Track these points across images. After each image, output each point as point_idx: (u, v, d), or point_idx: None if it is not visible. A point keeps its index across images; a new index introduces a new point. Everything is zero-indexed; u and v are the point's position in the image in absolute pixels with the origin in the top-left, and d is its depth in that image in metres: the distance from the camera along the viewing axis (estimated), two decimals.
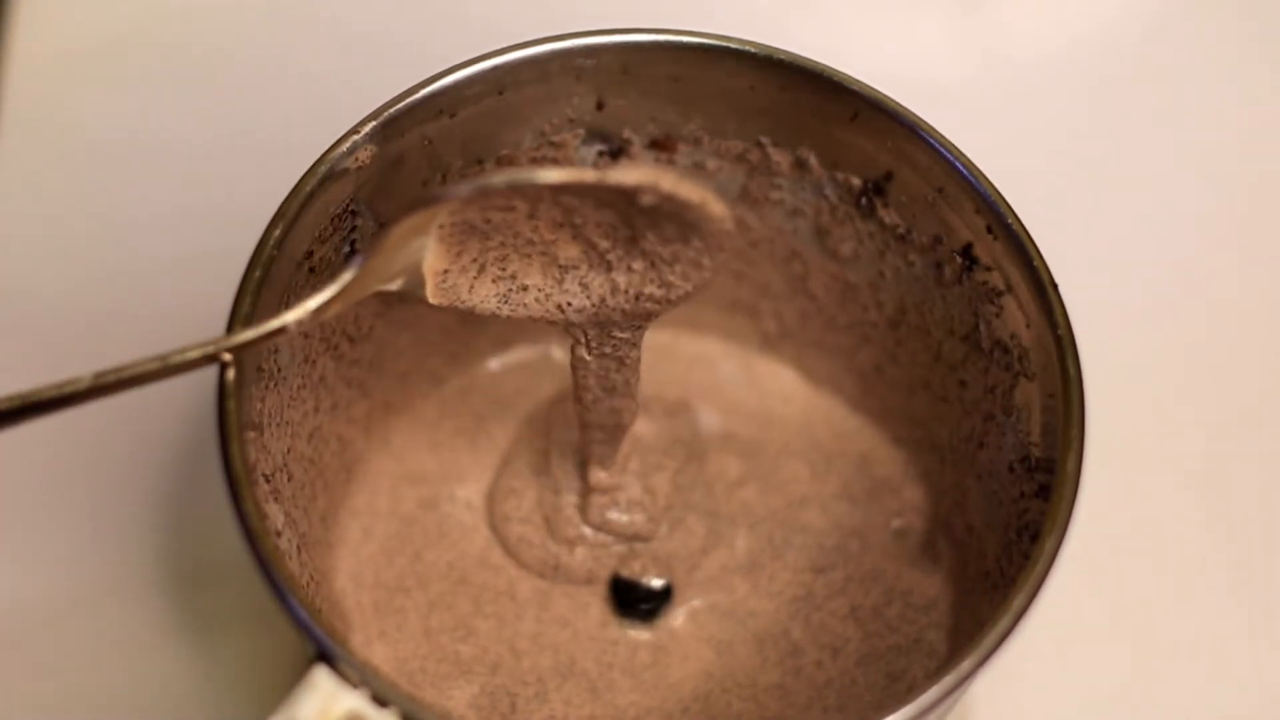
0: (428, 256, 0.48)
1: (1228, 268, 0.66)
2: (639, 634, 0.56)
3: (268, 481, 0.49)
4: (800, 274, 0.58)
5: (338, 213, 0.50)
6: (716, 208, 0.46)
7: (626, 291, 0.49)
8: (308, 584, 0.50)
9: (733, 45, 0.52)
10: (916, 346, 0.56)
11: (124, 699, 0.56)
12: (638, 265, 0.49)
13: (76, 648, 0.57)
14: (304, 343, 0.52)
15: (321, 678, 0.43)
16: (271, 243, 0.48)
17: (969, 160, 0.51)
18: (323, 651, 0.43)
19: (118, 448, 0.60)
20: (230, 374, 0.46)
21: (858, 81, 0.52)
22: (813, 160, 0.54)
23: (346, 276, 0.46)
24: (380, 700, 0.43)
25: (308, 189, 0.48)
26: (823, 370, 0.60)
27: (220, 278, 0.50)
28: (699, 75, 0.53)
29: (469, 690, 0.54)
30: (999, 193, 0.50)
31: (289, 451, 0.51)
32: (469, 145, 0.52)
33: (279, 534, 0.48)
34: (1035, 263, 0.49)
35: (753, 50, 0.52)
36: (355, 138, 0.49)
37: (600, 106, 0.53)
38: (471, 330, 0.59)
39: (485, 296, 0.50)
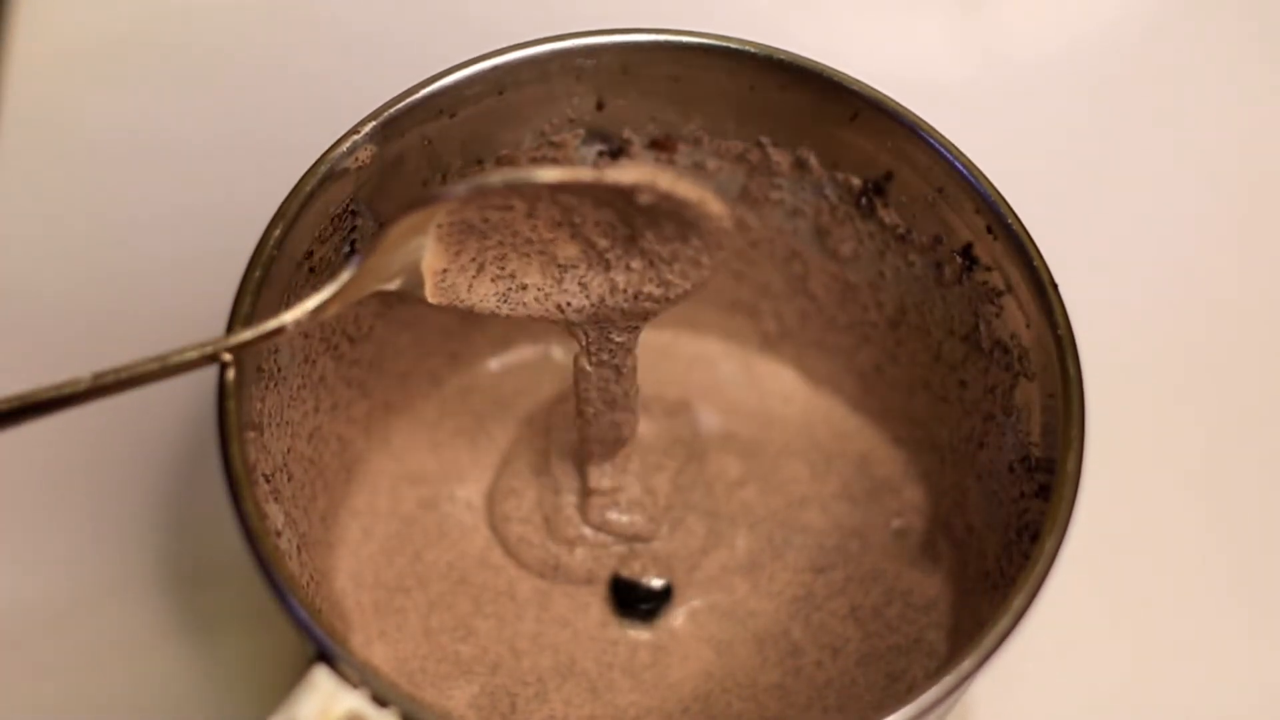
0: (426, 256, 0.48)
1: (1228, 268, 0.66)
2: (639, 634, 0.56)
3: (268, 481, 0.49)
4: (800, 274, 0.58)
5: (338, 213, 0.50)
6: (714, 206, 0.46)
7: (625, 290, 0.49)
8: (308, 584, 0.50)
9: (733, 45, 0.52)
10: (916, 346, 0.56)
11: (124, 699, 0.56)
12: (636, 264, 0.49)
13: (76, 648, 0.57)
14: (304, 343, 0.52)
15: (321, 678, 0.43)
16: (271, 243, 0.48)
17: (969, 160, 0.51)
18: (323, 651, 0.43)
19: (118, 448, 0.60)
20: (230, 374, 0.46)
21: (858, 81, 0.52)
22: (813, 160, 0.54)
23: (345, 276, 0.46)
24: (380, 700, 0.43)
25: (308, 189, 0.49)
26: (823, 370, 0.60)
27: (220, 278, 0.50)
28: (699, 75, 0.53)
29: (469, 690, 0.54)
30: (999, 193, 0.50)
31: (289, 451, 0.51)
32: (469, 145, 0.52)
33: (279, 534, 0.48)
34: (1035, 263, 0.49)
35: (753, 50, 0.52)
36: (355, 138, 0.49)
37: (600, 106, 0.53)
38: (471, 330, 0.59)
39: (484, 295, 0.50)
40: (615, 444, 0.55)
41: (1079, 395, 0.48)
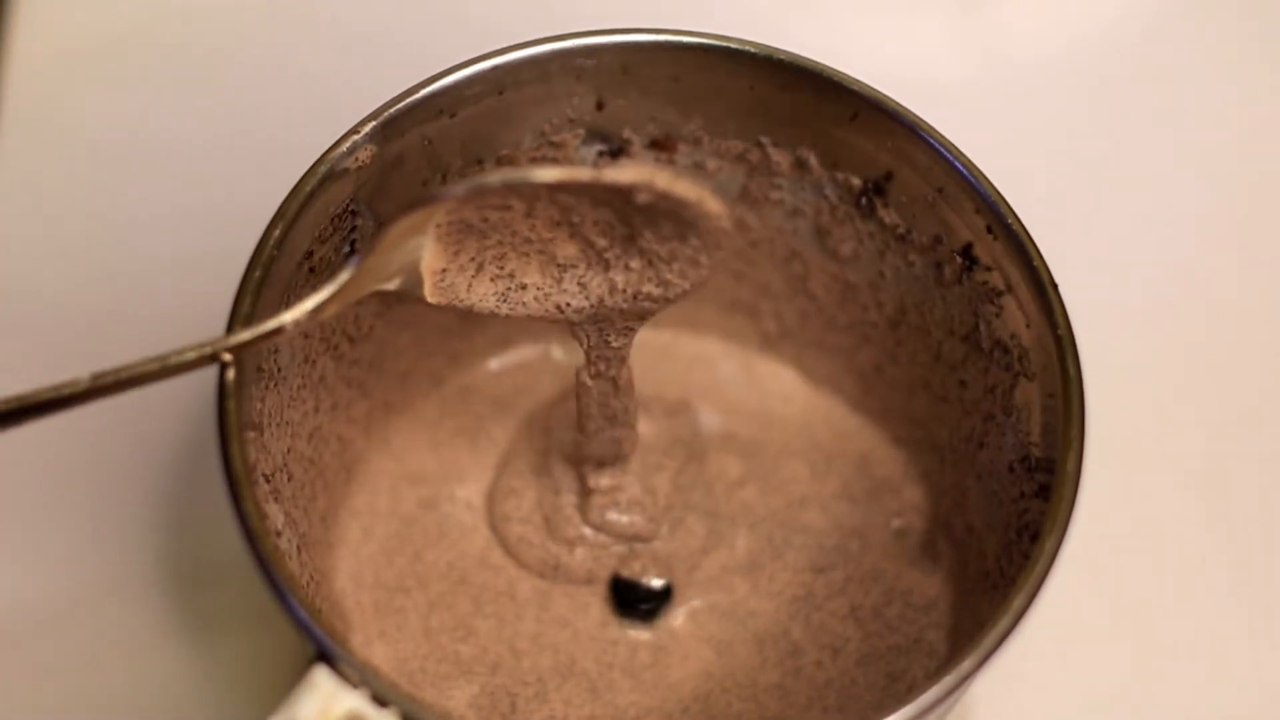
0: (425, 256, 0.48)
1: (1228, 268, 0.66)
2: (639, 634, 0.56)
3: (268, 481, 0.49)
4: (800, 274, 0.58)
5: (338, 213, 0.50)
6: (713, 205, 0.46)
7: (625, 290, 0.49)
8: (308, 584, 0.50)
9: (733, 45, 0.52)
10: (916, 346, 0.56)
11: (124, 699, 0.56)
12: (635, 264, 0.49)
13: (76, 648, 0.57)
14: (304, 343, 0.52)
15: (321, 678, 0.43)
16: (271, 243, 0.48)
17: (969, 160, 0.51)
18: (323, 651, 0.43)
19: (118, 448, 0.60)
20: (230, 374, 0.46)
21: (858, 81, 0.52)
22: (813, 160, 0.54)
23: (344, 276, 0.46)
24: (380, 700, 0.43)
25: (308, 189, 0.49)
26: (823, 370, 0.60)
27: (220, 278, 0.50)
28: (699, 75, 0.53)
29: (469, 690, 0.54)
30: (999, 193, 0.50)
31: (289, 451, 0.51)
32: (469, 145, 0.52)
33: (279, 534, 0.48)
34: (1035, 263, 0.49)
35: (753, 50, 0.52)
36: (355, 138, 0.49)
37: (600, 106, 0.53)
38: (471, 330, 0.59)
39: (484, 295, 0.50)
40: (615, 459, 0.55)
41: (1079, 395, 0.48)
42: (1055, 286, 0.49)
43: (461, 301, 0.49)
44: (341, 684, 0.43)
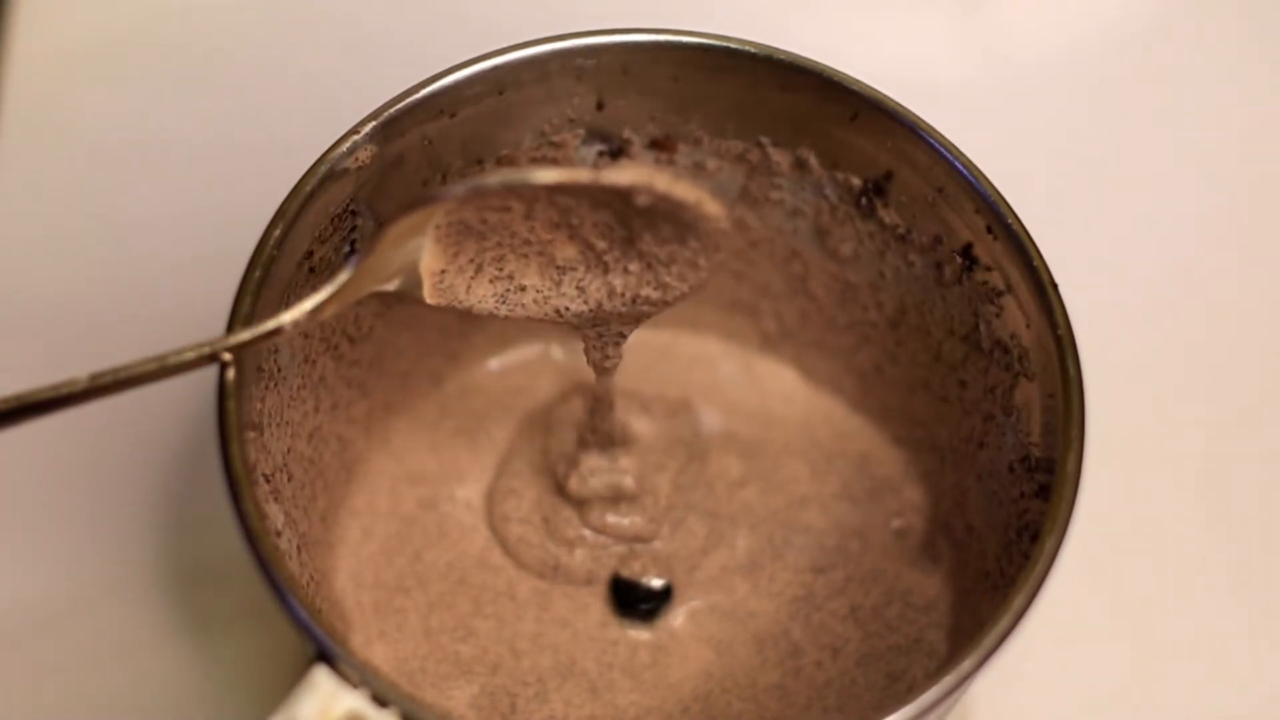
0: (425, 257, 0.48)
1: (1228, 268, 0.66)
2: (639, 634, 0.56)
3: (268, 481, 0.49)
4: (800, 274, 0.58)
5: (338, 213, 0.50)
6: (712, 207, 0.46)
7: (623, 295, 0.49)
8: (308, 584, 0.50)
9: (733, 45, 0.52)
10: (916, 346, 0.56)
11: (124, 699, 0.56)
12: (634, 267, 0.49)
13: (76, 648, 0.57)
14: (304, 343, 0.52)
15: (321, 678, 0.43)
16: (271, 243, 0.48)
17: (969, 160, 0.51)
18: (323, 651, 0.43)
19: (118, 448, 0.60)
20: (230, 374, 0.46)
21: (858, 81, 0.52)
22: (813, 160, 0.54)
23: (343, 277, 0.46)
24: (380, 700, 0.43)
25: (308, 189, 0.48)
26: (823, 370, 0.60)
27: (220, 278, 0.50)
28: (699, 75, 0.53)
29: (469, 690, 0.54)
30: (999, 193, 0.50)
31: (289, 451, 0.51)
32: (469, 145, 0.52)
33: (279, 534, 0.48)
34: (1035, 263, 0.49)
35: (753, 50, 0.52)
36: (355, 138, 0.49)
37: (600, 106, 0.53)
38: (471, 330, 0.59)
39: (483, 297, 0.50)
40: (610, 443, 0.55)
41: (1079, 395, 0.48)
42: (1055, 286, 0.49)
43: (460, 303, 0.49)
44: (341, 684, 0.43)
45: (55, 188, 0.66)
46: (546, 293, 0.50)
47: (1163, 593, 0.60)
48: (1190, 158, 0.68)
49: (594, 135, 0.54)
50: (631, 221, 0.47)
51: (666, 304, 0.49)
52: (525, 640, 0.55)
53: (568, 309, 0.50)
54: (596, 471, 0.56)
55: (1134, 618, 0.59)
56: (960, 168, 0.51)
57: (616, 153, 0.54)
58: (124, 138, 0.67)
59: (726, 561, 0.56)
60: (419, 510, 0.57)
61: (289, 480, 0.51)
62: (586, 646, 0.55)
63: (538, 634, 0.55)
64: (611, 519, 0.56)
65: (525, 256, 0.49)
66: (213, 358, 0.45)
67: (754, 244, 0.58)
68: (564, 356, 0.60)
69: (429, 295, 0.49)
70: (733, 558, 0.57)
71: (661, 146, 0.55)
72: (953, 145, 0.51)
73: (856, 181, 0.54)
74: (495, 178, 0.47)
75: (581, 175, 0.46)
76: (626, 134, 0.54)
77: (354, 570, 0.56)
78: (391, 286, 0.48)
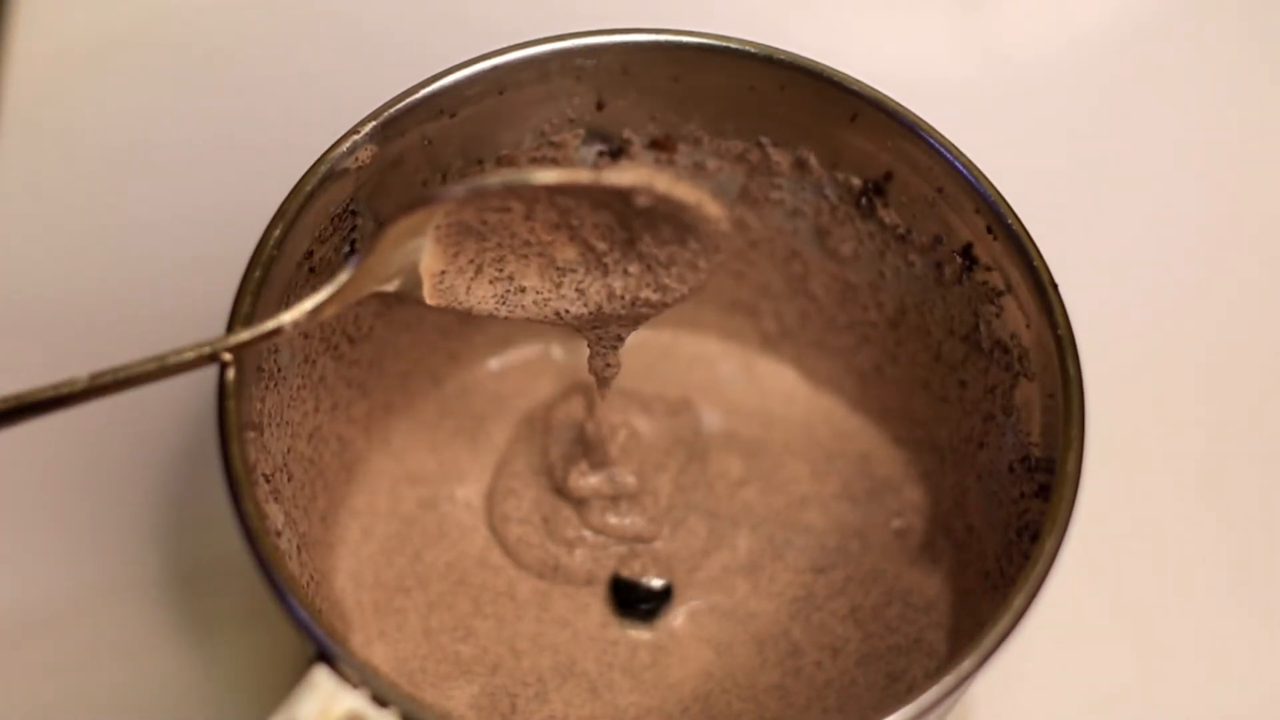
0: (424, 257, 0.48)
1: (1228, 267, 0.66)
2: (639, 634, 0.56)
3: (268, 481, 0.49)
4: (800, 274, 0.58)
5: (338, 213, 0.50)
6: (712, 208, 0.46)
7: (623, 297, 0.49)
8: (308, 584, 0.50)
9: (733, 45, 0.52)
10: (916, 346, 0.56)
11: (124, 699, 0.56)
12: (634, 269, 0.49)
13: (76, 648, 0.57)
14: (304, 343, 0.52)
15: (321, 678, 0.43)
16: (271, 243, 0.48)
17: (969, 160, 0.51)
18: (323, 651, 0.43)
19: (118, 448, 0.60)
20: (230, 374, 0.46)
21: (858, 81, 0.52)
22: (813, 160, 0.54)
23: (342, 278, 0.46)
24: (380, 700, 0.43)
25: (308, 189, 0.48)
26: (823, 370, 0.60)
27: (220, 278, 0.50)
28: (699, 75, 0.53)
29: (469, 690, 0.54)
30: (999, 193, 0.50)
31: (289, 451, 0.51)
32: (469, 145, 0.52)
33: (279, 534, 0.48)
34: (1035, 263, 0.49)
35: (753, 50, 0.52)
36: (355, 138, 0.49)
37: (600, 106, 0.53)
38: (471, 330, 0.59)
39: (483, 298, 0.50)
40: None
41: (1079, 395, 0.48)
42: (1055, 286, 0.49)
43: (460, 303, 0.49)
44: (341, 684, 0.43)
45: (55, 188, 0.66)
46: (546, 294, 0.50)
47: (1163, 593, 0.60)
48: (1190, 157, 0.68)
49: (594, 135, 0.54)
50: (632, 223, 0.47)
51: (666, 306, 0.50)
52: (525, 640, 0.55)
53: (567, 311, 0.50)
54: (596, 471, 0.56)
55: (1134, 618, 0.59)
56: (960, 168, 0.51)
57: (616, 153, 0.54)
58: (124, 138, 0.67)
59: (727, 562, 0.56)
60: (419, 510, 0.57)
61: (289, 480, 0.51)
62: (586, 646, 0.55)
63: (538, 634, 0.55)
64: (612, 519, 0.56)
65: (525, 257, 0.49)
66: (213, 358, 0.45)
67: (754, 244, 0.58)
68: (564, 356, 0.60)
69: (429, 296, 0.49)
70: (733, 558, 0.57)
71: (661, 146, 0.55)
72: (953, 145, 0.51)
73: (856, 181, 0.54)
74: (495, 178, 0.47)
75: (582, 176, 0.46)
76: (626, 134, 0.54)
77: (354, 570, 0.56)
78: (391, 287, 0.48)
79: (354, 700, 0.43)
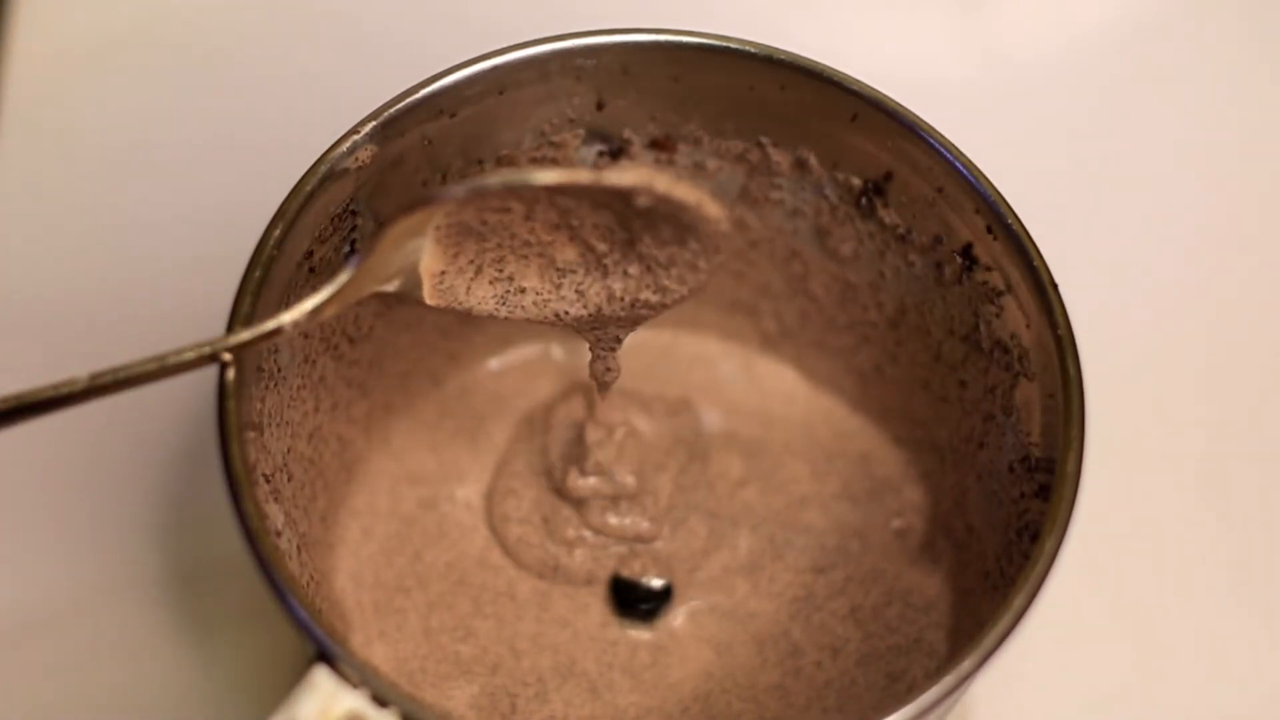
0: (424, 258, 0.48)
1: (1228, 268, 0.66)
2: (639, 634, 0.56)
3: (268, 481, 0.49)
4: (800, 274, 0.58)
5: (338, 213, 0.50)
6: (712, 209, 0.46)
7: (622, 299, 0.49)
8: (308, 584, 0.50)
9: (733, 45, 0.52)
10: (916, 346, 0.56)
11: (124, 699, 0.56)
12: (633, 270, 0.49)
13: (76, 648, 0.57)
14: (304, 343, 0.52)
15: (321, 678, 0.43)
16: (271, 243, 0.48)
17: (969, 160, 0.51)
18: (323, 651, 0.43)
19: (118, 448, 0.60)
20: (230, 374, 0.46)
21: (858, 81, 0.51)
22: (813, 160, 0.54)
23: (342, 278, 0.46)
24: (380, 700, 0.43)
25: (308, 189, 0.48)
26: (823, 370, 0.60)
27: (220, 278, 0.50)
28: (699, 75, 0.53)
29: (469, 690, 0.54)
30: (999, 193, 0.50)
31: (289, 451, 0.51)
32: (469, 145, 0.52)
33: (279, 534, 0.48)
34: (1035, 263, 0.49)
35: (753, 50, 0.52)
36: (355, 138, 0.49)
37: (600, 106, 0.53)
38: (471, 330, 0.59)
39: (483, 298, 0.50)
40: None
41: (1079, 395, 0.48)
42: (1055, 286, 0.49)
43: (460, 304, 0.49)
44: (341, 684, 0.43)
45: (55, 188, 0.66)
46: (546, 295, 0.50)
47: (1163, 593, 0.60)
48: (1190, 158, 0.68)
49: (594, 135, 0.54)
50: (632, 223, 0.47)
51: (665, 307, 0.50)
52: (525, 640, 0.55)
53: (567, 313, 0.50)
54: (596, 471, 0.56)
55: (1134, 618, 0.59)
56: (960, 168, 0.51)
57: (616, 153, 0.54)
58: (124, 138, 0.67)
59: (727, 562, 0.56)
60: (419, 510, 0.57)
61: (289, 480, 0.51)
62: (586, 646, 0.55)
63: (538, 634, 0.55)
64: (612, 519, 0.56)
65: (525, 258, 0.49)
66: (213, 358, 0.45)
67: (754, 244, 0.58)
68: (564, 356, 0.60)
69: (429, 296, 0.49)
70: (734, 558, 0.57)
71: (661, 146, 0.55)
72: (953, 145, 0.51)
73: (856, 181, 0.54)
74: (495, 178, 0.47)
75: (582, 176, 0.46)
76: (626, 134, 0.54)
77: (354, 570, 0.56)
78: (391, 287, 0.48)
79: (354, 700, 0.43)
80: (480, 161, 0.53)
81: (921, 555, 0.56)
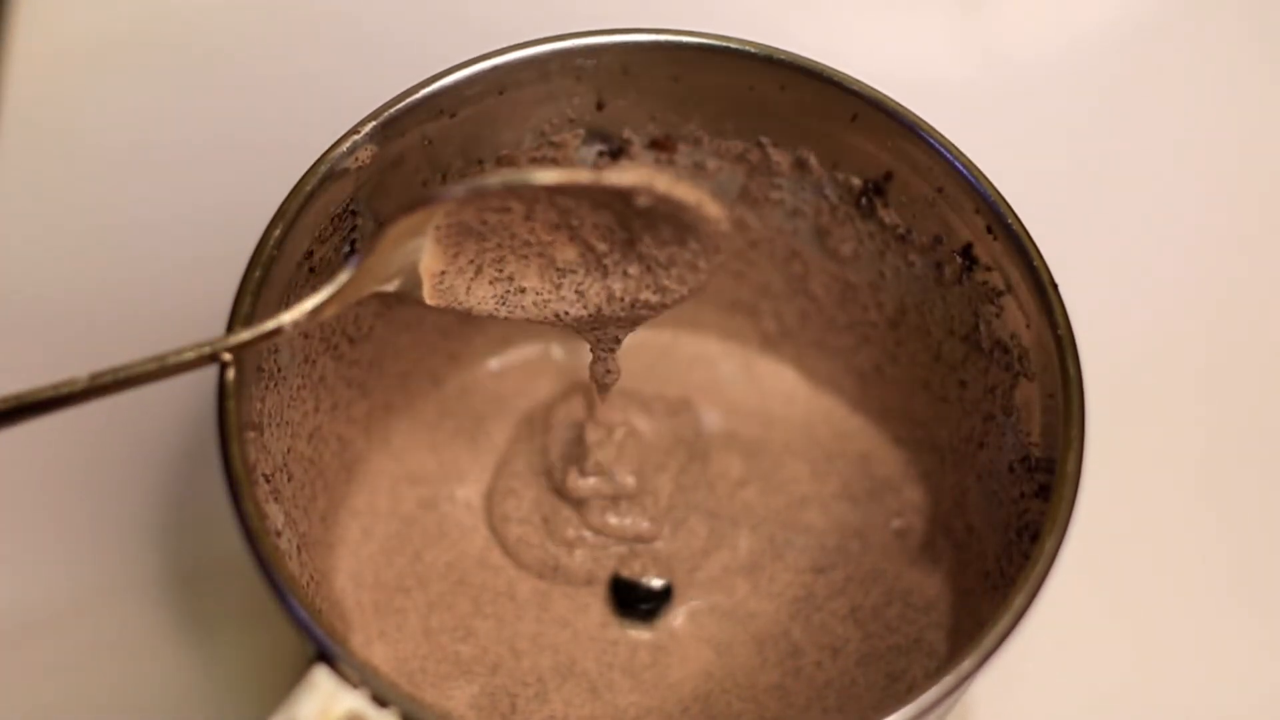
0: (424, 258, 0.48)
1: (1228, 267, 0.66)
2: (639, 634, 0.56)
3: (268, 481, 0.49)
4: (800, 274, 0.58)
5: (338, 213, 0.50)
6: (712, 209, 0.46)
7: (622, 300, 0.49)
8: (308, 584, 0.50)
9: (733, 45, 0.52)
10: (916, 346, 0.56)
11: (124, 699, 0.56)
12: (634, 270, 0.49)
13: (76, 648, 0.57)
14: (304, 343, 0.52)
15: (321, 678, 0.43)
16: (271, 243, 0.48)
17: (969, 160, 0.51)
18: (323, 651, 0.43)
19: (117, 448, 0.60)
20: (230, 374, 0.46)
21: (858, 81, 0.51)
22: (813, 160, 0.54)
23: (343, 278, 0.46)
24: (380, 700, 0.43)
25: (308, 189, 0.48)
26: (823, 370, 0.60)
27: (220, 278, 0.50)
28: (699, 75, 0.53)
29: (469, 690, 0.54)
30: (999, 193, 0.50)
31: (289, 451, 0.51)
32: (469, 145, 0.52)
33: (279, 534, 0.48)
34: (1035, 263, 0.49)
35: (753, 50, 0.52)
36: (355, 138, 0.49)
37: (600, 106, 0.53)
38: (471, 330, 0.59)
39: (483, 298, 0.50)
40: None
41: (1079, 395, 0.48)
42: (1055, 286, 0.49)
43: (460, 304, 0.49)
44: (341, 684, 0.43)
45: (55, 188, 0.66)
46: (546, 296, 0.50)
47: (1163, 593, 0.60)
48: (1190, 158, 0.68)
49: (594, 135, 0.54)
50: (632, 223, 0.47)
51: (665, 307, 0.50)
52: (525, 640, 0.55)
53: (567, 313, 0.50)
54: (596, 471, 0.56)
55: (1134, 618, 0.59)
56: (960, 168, 0.51)
57: (616, 153, 0.54)
58: (124, 138, 0.67)
59: (728, 563, 0.56)
60: (419, 510, 0.57)
61: (289, 480, 0.51)
62: (586, 646, 0.55)
63: (538, 634, 0.55)
64: (612, 519, 0.56)
65: (525, 258, 0.49)
66: (213, 358, 0.45)
67: (754, 244, 0.58)
68: (564, 356, 0.60)
69: (429, 296, 0.49)
70: (734, 559, 0.57)
71: (661, 146, 0.55)
72: (953, 145, 0.51)
73: (856, 181, 0.54)
74: (495, 178, 0.47)
75: (582, 176, 0.46)
76: (626, 134, 0.54)
77: (354, 570, 0.56)
78: (391, 287, 0.48)
79: (354, 700, 0.43)
80: (480, 161, 0.53)
81: (921, 555, 0.56)
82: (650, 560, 0.56)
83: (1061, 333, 0.48)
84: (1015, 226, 0.50)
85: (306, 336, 0.52)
